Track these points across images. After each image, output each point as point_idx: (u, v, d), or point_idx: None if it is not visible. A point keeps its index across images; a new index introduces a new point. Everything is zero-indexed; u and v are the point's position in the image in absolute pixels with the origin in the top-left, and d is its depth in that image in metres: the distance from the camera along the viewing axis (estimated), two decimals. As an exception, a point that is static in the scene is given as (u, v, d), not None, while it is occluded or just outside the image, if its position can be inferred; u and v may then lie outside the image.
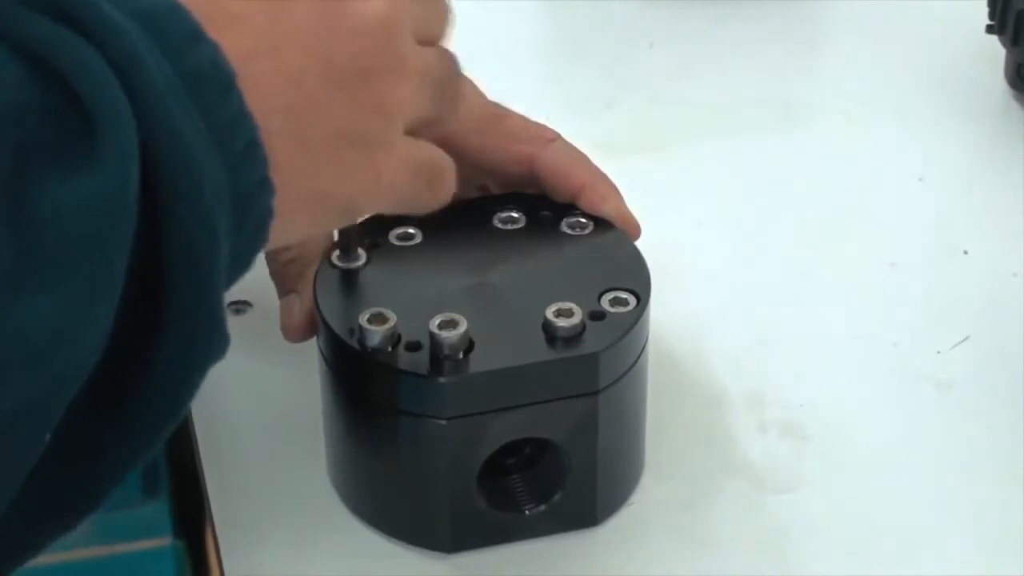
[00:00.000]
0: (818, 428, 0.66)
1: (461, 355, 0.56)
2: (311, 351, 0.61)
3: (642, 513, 0.62)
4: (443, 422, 0.57)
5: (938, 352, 0.70)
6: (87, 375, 0.42)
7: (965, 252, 0.76)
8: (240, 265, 0.47)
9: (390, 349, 0.57)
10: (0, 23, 0.42)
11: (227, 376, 0.47)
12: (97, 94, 0.42)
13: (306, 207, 0.49)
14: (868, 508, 0.62)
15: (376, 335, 0.57)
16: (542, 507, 0.60)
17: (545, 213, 0.64)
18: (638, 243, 0.63)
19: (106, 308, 0.42)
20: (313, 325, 0.61)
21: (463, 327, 0.56)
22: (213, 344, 0.45)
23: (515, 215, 0.63)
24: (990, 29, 0.85)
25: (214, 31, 0.45)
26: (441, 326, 0.56)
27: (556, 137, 0.66)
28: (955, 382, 0.68)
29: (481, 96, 0.65)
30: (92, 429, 0.44)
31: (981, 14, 0.85)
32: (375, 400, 0.58)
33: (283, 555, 0.60)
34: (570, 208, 0.64)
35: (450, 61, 0.55)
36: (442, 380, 0.56)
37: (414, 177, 0.53)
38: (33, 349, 0.41)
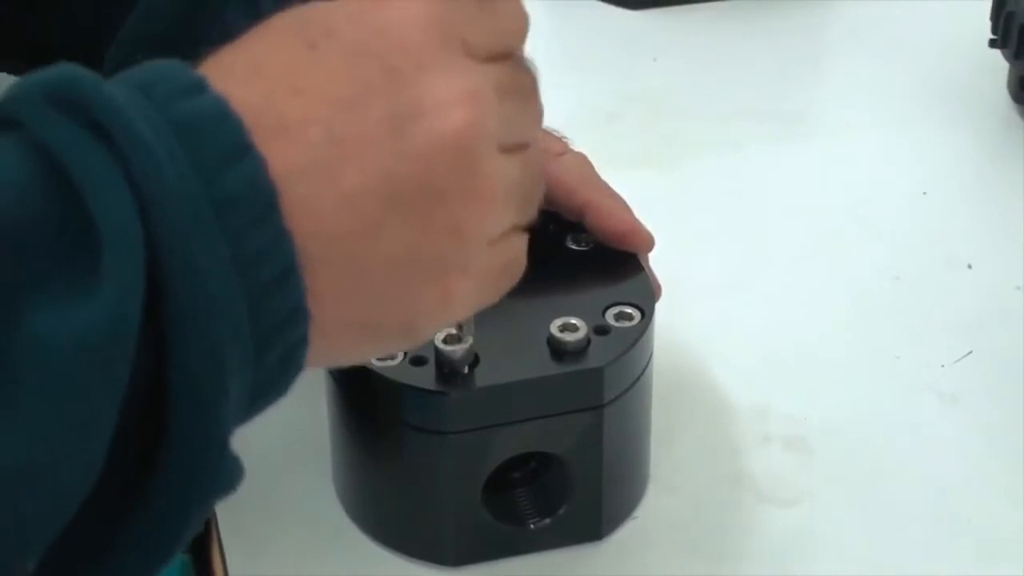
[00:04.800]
0: (822, 441, 0.66)
1: (466, 369, 0.57)
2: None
3: (646, 527, 0.62)
4: (448, 436, 0.57)
5: (942, 365, 0.70)
6: (71, 511, 0.40)
7: (968, 265, 0.76)
8: (267, 394, 0.44)
9: (395, 363, 0.57)
10: (23, 120, 0.40)
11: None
12: (109, 216, 0.39)
13: (356, 335, 0.45)
14: (872, 521, 0.62)
15: (381, 349, 0.57)
16: (547, 521, 0.60)
17: (550, 227, 0.64)
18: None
19: (93, 445, 0.39)
20: None
21: (468, 341, 0.56)
22: (216, 480, 0.42)
23: (520, 229, 0.63)
24: (993, 43, 0.85)
25: (263, 141, 0.41)
26: (446, 340, 0.56)
27: (565, 150, 0.65)
28: (959, 395, 0.68)
29: None
30: (88, 555, 0.42)
31: (984, 28, 0.86)
32: (381, 414, 0.58)
33: (288, 568, 0.60)
34: (575, 223, 0.64)
35: (535, 164, 0.50)
36: (447, 394, 0.56)
37: (494, 285, 0.48)
38: None
